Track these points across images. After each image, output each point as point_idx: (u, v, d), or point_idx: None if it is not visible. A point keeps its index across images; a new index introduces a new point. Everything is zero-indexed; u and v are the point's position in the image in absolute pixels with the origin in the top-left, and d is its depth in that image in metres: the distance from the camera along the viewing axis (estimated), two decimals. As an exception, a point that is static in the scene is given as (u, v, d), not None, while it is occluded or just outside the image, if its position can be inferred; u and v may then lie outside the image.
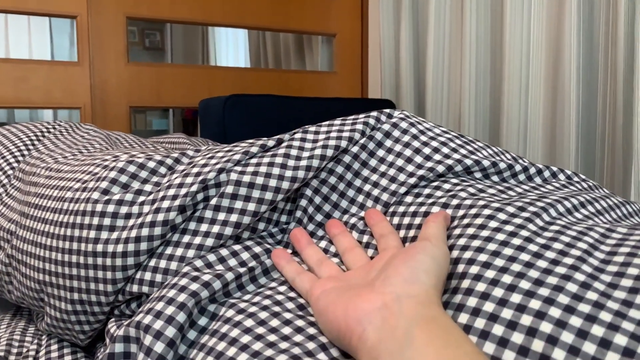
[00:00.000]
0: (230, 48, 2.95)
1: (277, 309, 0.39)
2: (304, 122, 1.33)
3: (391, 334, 0.30)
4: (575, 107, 1.10)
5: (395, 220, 0.45)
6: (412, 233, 0.43)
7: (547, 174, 0.49)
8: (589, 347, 0.29)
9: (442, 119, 1.43)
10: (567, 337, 0.29)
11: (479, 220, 0.39)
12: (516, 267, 0.34)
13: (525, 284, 0.33)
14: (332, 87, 1.70)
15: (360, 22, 1.73)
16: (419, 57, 1.51)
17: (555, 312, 0.31)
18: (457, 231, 0.39)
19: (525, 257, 0.35)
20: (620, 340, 0.29)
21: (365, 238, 0.45)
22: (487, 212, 0.40)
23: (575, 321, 0.30)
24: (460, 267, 0.36)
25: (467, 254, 0.37)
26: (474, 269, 0.35)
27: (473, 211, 0.41)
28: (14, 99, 1.32)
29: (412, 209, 0.44)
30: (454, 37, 1.40)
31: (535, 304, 0.32)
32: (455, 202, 0.43)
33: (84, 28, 1.38)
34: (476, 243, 0.37)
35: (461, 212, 0.41)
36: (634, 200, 0.97)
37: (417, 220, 0.43)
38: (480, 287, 0.34)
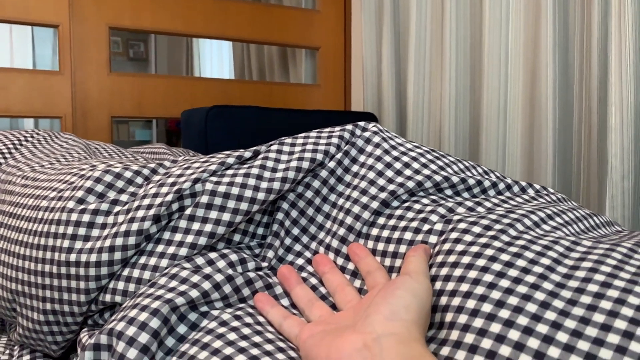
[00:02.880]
0: (215, 60, 2.96)
1: (259, 328, 0.39)
2: (286, 134, 1.34)
3: None
4: (552, 123, 1.13)
5: (370, 244, 0.45)
6: (387, 262, 0.43)
7: (516, 188, 0.50)
8: None
9: (422, 131, 1.44)
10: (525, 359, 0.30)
11: (446, 246, 0.40)
12: (480, 290, 0.35)
13: (487, 307, 0.33)
14: (316, 100, 1.71)
15: (344, 36, 1.75)
16: (401, 71, 1.53)
17: (514, 334, 0.31)
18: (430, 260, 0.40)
19: (488, 277, 0.35)
20: None
21: (340, 261, 0.46)
22: (454, 235, 0.41)
23: (533, 343, 0.31)
24: (440, 300, 0.37)
25: (438, 284, 0.37)
26: (444, 300, 0.36)
27: (442, 237, 0.41)
28: (-7, 107, 1.31)
29: (385, 233, 0.45)
30: (434, 52, 1.42)
31: (495, 328, 0.32)
32: (426, 227, 0.43)
33: (66, 37, 1.37)
34: (444, 271, 0.38)
35: (433, 238, 0.42)
36: (608, 214, 0.99)
37: (391, 248, 0.43)
38: (462, 318, 0.34)
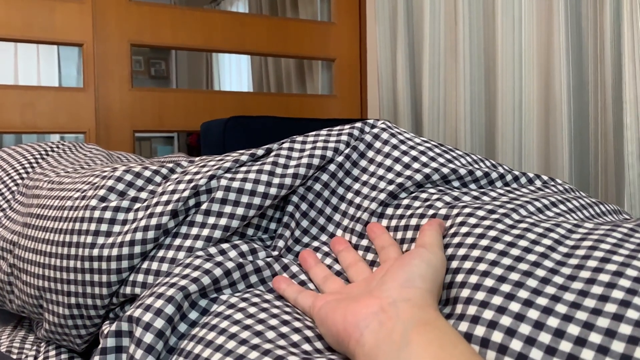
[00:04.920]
0: (234, 74, 3.01)
1: (265, 305, 0.41)
2: (303, 143, 1.36)
3: (388, 337, 0.31)
4: (567, 123, 1.13)
5: None
6: None
7: (523, 180, 0.51)
8: (545, 337, 0.30)
9: (439, 136, 1.45)
10: (525, 329, 0.31)
11: (451, 230, 0.41)
12: (482, 267, 0.36)
13: (489, 282, 0.34)
14: (332, 110, 1.73)
15: (359, 46, 1.77)
16: (415, 79, 1.55)
17: (515, 306, 0.32)
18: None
19: (491, 256, 0.36)
20: (573, 330, 0.30)
21: (354, 239, 0.47)
22: (459, 219, 0.42)
23: (533, 314, 0.32)
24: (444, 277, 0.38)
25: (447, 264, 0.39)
26: (448, 278, 0.37)
27: (447, 221, 0.43)
28: (21, 124, 1.36)
29: (393, 223, 0.46)
30: (449, 59, 1.43)
31: (497, 300, 0.33)
32: (431, 212, 0.45)
33: (90, 55, 1.42)
34: (448, 251, 0.39)
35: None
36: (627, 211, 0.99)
37: (399, 235, 0.45)
38: (465, 292, 0.35)
